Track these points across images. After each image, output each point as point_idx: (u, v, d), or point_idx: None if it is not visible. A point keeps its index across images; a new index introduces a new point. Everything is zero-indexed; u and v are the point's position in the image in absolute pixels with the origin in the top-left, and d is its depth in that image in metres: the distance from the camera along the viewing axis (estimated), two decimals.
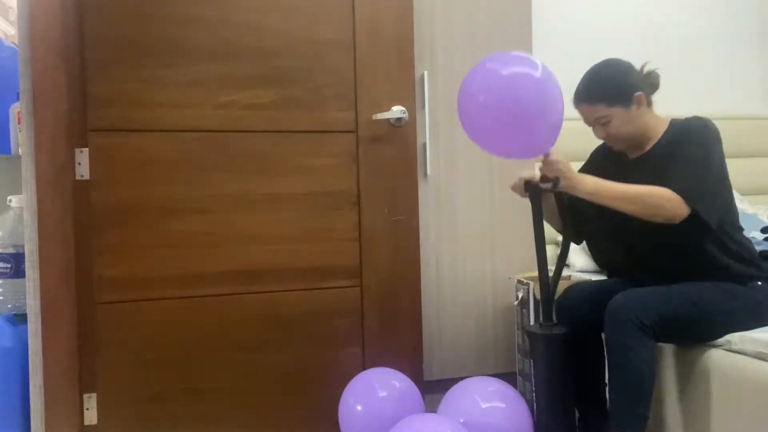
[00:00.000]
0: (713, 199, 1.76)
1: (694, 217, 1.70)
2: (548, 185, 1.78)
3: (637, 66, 1.88)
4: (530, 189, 1.84)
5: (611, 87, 1.83)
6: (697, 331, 1.78)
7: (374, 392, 1.91)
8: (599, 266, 2.25)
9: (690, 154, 1.76)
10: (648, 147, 1.88)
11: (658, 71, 1.88)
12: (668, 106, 1.93)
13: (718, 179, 1.79)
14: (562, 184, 1.74)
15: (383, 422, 1.80)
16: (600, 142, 2.09)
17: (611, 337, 1.73)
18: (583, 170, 2.06)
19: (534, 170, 1.85)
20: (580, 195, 1.75)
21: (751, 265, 1.85)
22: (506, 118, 1.63)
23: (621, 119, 1.82)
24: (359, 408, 1.89)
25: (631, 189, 1.73)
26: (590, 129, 1.92)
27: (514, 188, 1.89)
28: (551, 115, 1.66)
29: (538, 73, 1.64)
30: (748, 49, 3.36)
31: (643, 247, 1.85)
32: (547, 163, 1.76)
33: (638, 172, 1.85)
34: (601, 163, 2.01)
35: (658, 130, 1.87)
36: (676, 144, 1.80)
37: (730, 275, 1.81)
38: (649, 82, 1.87)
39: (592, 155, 2.10)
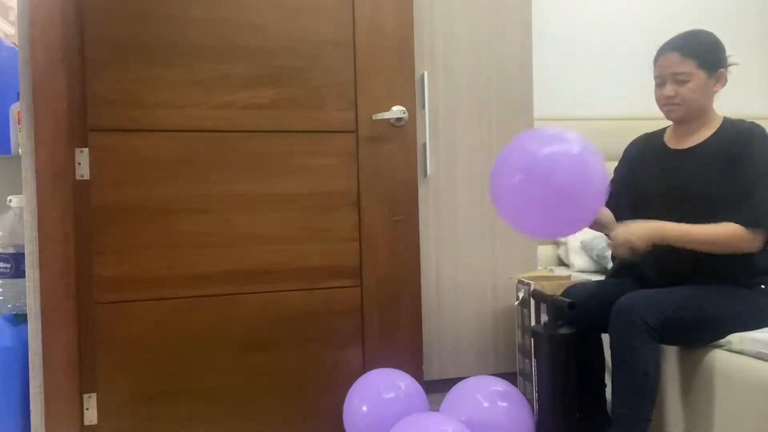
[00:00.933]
0: None
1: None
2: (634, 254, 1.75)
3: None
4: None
5: (708, 50, 1.82)
6: (702, 334, 1.78)
7: (378, 393, 1.91)
8: (617, 262, 2.13)
9: (758, 178, 1.74)
10: (701, 137, 1.86)
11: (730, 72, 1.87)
12: None
13: None
14: (643, 250, 1.72)
15: (388, 423, 1.80)
16: (632, 138, 2.06)
17: (617, 338, 1.72)
18: (619, 167, 2.04)
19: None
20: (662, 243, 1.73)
21: (765, 272, 1.84)
22: (543, 202, 1.54)
23: (698, 84, 1.81)
24: (364, 408, 1.88)
25: (702, 231, 1.72)
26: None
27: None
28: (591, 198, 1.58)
29: (577, 154, 1.55)
30: (749, 50, 3.36)
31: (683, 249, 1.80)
32: (617, 246, 1.73)
33: (687, 162, 1.84)
34: (643, 156, 1.98)
35: (713, 123, 1.86)
36: (734, 152, 1.77)
37: (743, 281, 1.80)
38: (726, 77, 1.86)
39: (627, 151, 2.05)
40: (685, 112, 1.84)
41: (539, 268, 2.56)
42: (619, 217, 1.91)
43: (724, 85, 1.86)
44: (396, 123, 2.18)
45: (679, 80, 1.81)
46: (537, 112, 2.49)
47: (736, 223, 1.71)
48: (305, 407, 2.10)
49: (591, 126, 3.06)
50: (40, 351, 1.88)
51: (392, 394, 1.90)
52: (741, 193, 1.74)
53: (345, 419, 1.92)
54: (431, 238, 2.31)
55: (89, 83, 1.94)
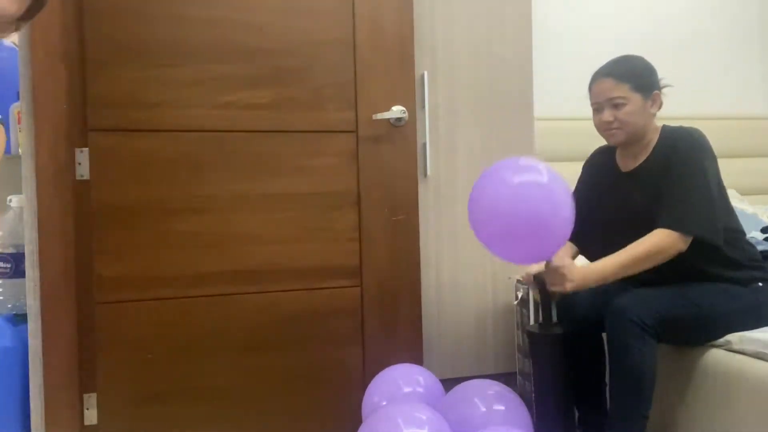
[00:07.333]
0: (712, 216, 1.76)
1: (699, 240, 1.73)
2: (556, 290, 1.78)
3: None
4: (540, 283, 1.83)
5: (640, 74, 1.85)
6: (699, 332, 1.79)
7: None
8: None
9: (680, 182, 1.76)
10: (641, 159, 1.89)
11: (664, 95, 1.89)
12: (668, 106, 1.93)
13: (713, 193, 1.78)
14: (568, 288, 1.74)
15: None
16: (589, 152, 2.08)
17: (613, 337, 1.73)
18: (578, 187, 2.05)
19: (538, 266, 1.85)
20: (590, 286, 1.76)
21: (752, 267, 1.85)
22: (514, 229, 1.61)
23: (635, 108, 1.82)
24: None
25: (630, 255, 1.72)
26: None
27: (525, 280, 1.91)
28: (558, 227, 1.63)
29: (546, 184, 1.62)
30: (748, 49, 3.36)
31: None
32: (549, 269, 1.76)
33: (633, 186, 1.87)
34: (596, 178, 2.01)
35: (653, 139, 1.88)
36: (666, 163, 1.80)
37: (731, 279, 1.81)
38: (661, 99, 1.88)
39: (585, 170, 2.08)
40: (625, 135, 1.85)
41: None
42: (586, 241, 1.96)
43: (660, 107, 1.87)
44: (396, 123, 2.18)
45: (616, 104, 1.82)
46: (537, 112, 2.49)
47: (663, 225, 1.73)
48: (305, 407, 2.10)
49: (591, 126, 3.06)
50: (40, 351, 1.88)
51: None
52: (668, 198, 1.76)
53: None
54: (431, 238, 2.31)
55: (89, 83, 1.93)
